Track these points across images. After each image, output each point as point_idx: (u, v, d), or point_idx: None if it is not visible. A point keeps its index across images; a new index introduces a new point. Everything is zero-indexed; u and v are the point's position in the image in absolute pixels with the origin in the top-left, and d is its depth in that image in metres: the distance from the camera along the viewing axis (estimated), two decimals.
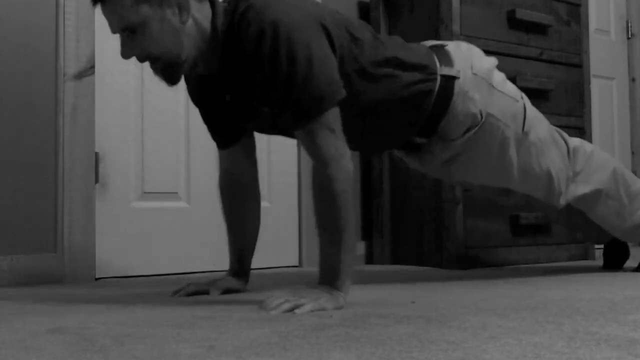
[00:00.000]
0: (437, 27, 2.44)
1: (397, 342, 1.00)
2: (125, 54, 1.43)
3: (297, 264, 2.58)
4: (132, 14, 1.39)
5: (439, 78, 1.66)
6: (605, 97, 3.61)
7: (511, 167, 1.79)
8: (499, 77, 1.80)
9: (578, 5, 2.74)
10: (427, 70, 1.65)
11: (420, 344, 0.99)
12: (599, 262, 2.41)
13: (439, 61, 1.69)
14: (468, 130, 1.71)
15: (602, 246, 2.34)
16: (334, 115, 1.41)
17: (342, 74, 1.47)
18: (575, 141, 1.97)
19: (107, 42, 2.26)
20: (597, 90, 3.55)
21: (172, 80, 1.47)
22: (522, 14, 2.52)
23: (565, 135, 1.96)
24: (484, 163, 1.78)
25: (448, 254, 2.37)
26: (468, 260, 2.36)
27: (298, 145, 2.59)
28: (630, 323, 1.15)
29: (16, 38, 2.08)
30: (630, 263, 2.30)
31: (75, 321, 1.25)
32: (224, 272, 1.78)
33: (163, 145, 2.34)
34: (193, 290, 1.67)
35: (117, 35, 1.45)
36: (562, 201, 1.91)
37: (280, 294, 1.38)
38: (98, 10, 1.44)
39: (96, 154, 2.19)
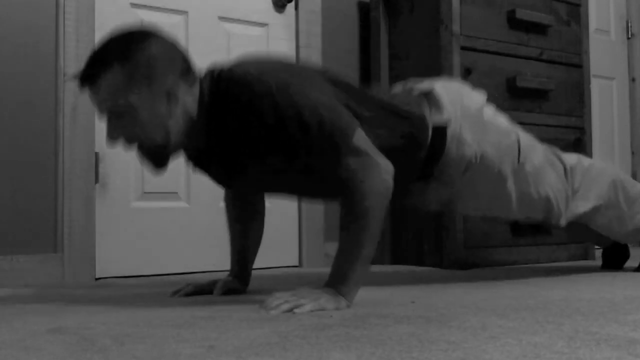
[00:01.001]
0: (437, 27, 2.44)
1: (397, 342, 1.00)
2: (111, 136, 1.40)
3: (297, 264, 2.58)
4: (120, 100, 1.36)
5: (430, 128, 1.65)
6: (605, 97, 3.61)
7: (510, 199, 1.79)
8: (490, 112, 1.79)
9: (578, 5, 2.74)
10: (418, 120, 1.63)
11: (420, 344, 0.99)
12: (599, 262, 2.41)
13: (430, 108, 1.67)
14: (465, 172, 1.71)
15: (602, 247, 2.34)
16: (358, 137, 1.42)
17: None
18: (572, 159, 1.96)
19: None
20: (597, 90, 3.55)
21: (159, 165, 1.44)
22: (522, 14, 2.52)
23: (561, 154, 1.95)
24: (483, 199, 1.78)
25: (448, 254, 2.37)
26: (468, 260, 2.36)
27: None
28: (630, 323, 1.15)
29: (16, 38, 2.08)
30: (630, 263, 2.30)
31: (75, 321, 1.25)
32: (224, 272, 1.78)
33: None
34: (192, 291, 1.67)
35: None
36: (563, 222, 1.91)
37: (280, 294, 1.38)
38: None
39: (96, 154, 2.19)
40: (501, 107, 2.46)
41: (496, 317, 1.23)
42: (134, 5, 2.31)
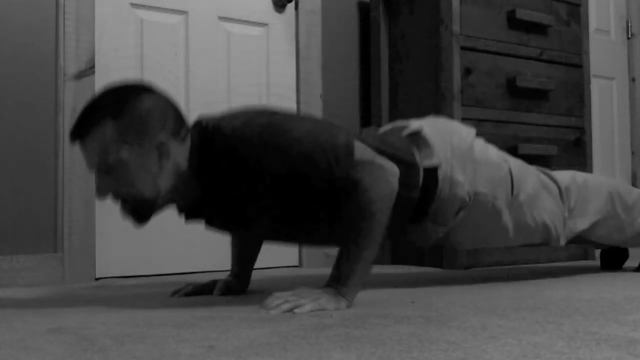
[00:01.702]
0: (437, 27, 2.44)
1: (397, 342, 1.00)
2: (100, 191, 1.39)
3: (297, 264, 2.58)
4: (111, 155, 1.35)
5: (421, 172, 1.64)
6: (605, 97, 3.61)
7: (506, 231, 1.79)
8: (480, 148, 1.77)
9: (578, 5, 2.74)
10: (408, 165, 1.62)
11: (420, 344, 0.99)
12: (599, 262, 2.41)
13: (419, 151, 1.66)
14: (458, 212, 1.71)
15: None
16: (359, 150, 1.43)
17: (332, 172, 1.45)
18: (565, 179, 1.93)
19: (107, 42, 2.26)
20: (597, 90, 3.55)
21: (141, 220, 1.43)
22: (522, 14, 2.52)
23: (555, 176, 1.93)
24: (479, 234, 1.78)
25: (448, 255, 2.37)
26: (468, 260, 2.36)
27: None
28: (630, 323, 1.15)
29: (16, 38, 2.08)
30: (629, 263, 2.30)
31: (75, 321, 1.25)
32: (224, 272, 1.78)
33: None
34: (192, 291, 1.67)
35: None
36: (562, 242, 1.90)
37: (280, 294, 1.38)
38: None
39: None
40: (501, 107, 2.47)
41: (496, 317, 1.23)
42: (134, 5, 2.31)
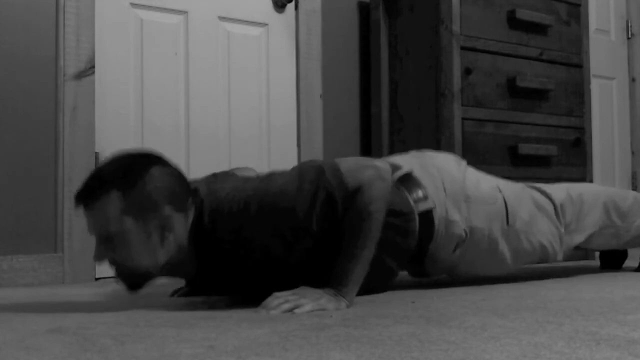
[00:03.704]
0: (437, 27, 2.44)
1: (397, 342, 1.00)
2: (98, 257, 1.39)
3: None
4: (114, 224, 1.35)
5: (417, 217, 1.64)
6: (605, 97, 3.61)
7: (504, 259, 1.79)
8: (472, 182, 1.77)
9: (578, 5, 2.74)
10: (403, 213, 1.61)
11: (420, 344, 0.99)
12: (599, 261, 2.41)
13: (412, 196, 1.65)
14: (456, 249, 1.71)
15: None
16: (341, 162, 1.44)
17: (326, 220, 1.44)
18: (560, 195, 1.92)
19: (107, 42, 2.26)
20: (597, 90, 3.55)
21: (134, 288, 1.42)
22: (522, 14, 2.52)
23: (549, 193, 1.91)
24: (477, 265, 1.78)
25: None
26: None
27: (298, 145, 2.60)
28: (630, 323, 1.15)
29: (16, 38, 2.08)
30: (629, 263, 2.30)
31: (75, 321, 1.25)
32: None
33: (163, 145, 2.34)
34: (192, 291, 1.67)
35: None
36: (560, 257, 1.90)
37: (280, 294, 1.38)
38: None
39: (96, 154, 2.19)
40: (501, 107, 2.47)
41: (496, 317, 1.23)
42: (134, 5, 2.31)
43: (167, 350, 0.97)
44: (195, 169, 2.39)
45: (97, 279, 2.17)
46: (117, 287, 1.93)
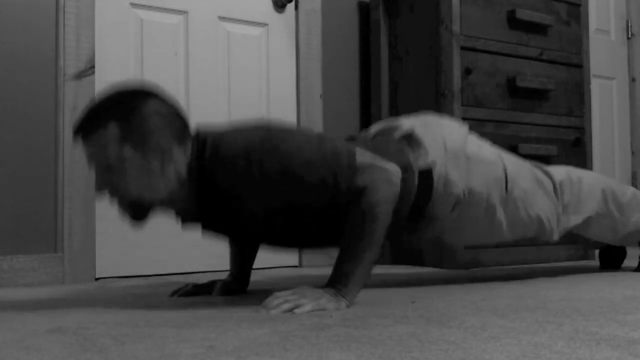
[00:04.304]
0: (437, 27, 2.44)
1: (397, 342, 1.00)
2: (99, 188, 1.39)
3: (297, 264, 2.57)
4: (113, 155, 1.36)
5: (416, 174, 1.65)
6: (605, 97, 3.61)
7: (501, 227, 1.79)
8: (474, 145, 1.78)
9: (578, 5, 2.74)
10: (405, 173, 1.62)
11: (420, 344, 0.99)
12: (599, 262, 2.41)
13: (413, 153, 1.66)
14: (453, 209, 1.71)
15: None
16: (359, 154, 1.43)
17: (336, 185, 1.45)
18: (560, 174, 1.95)
19: (107, 42, 2.26)
20: (597, 90, 3.55)
21: (137, 219, 1.43)
22: (522, 14, 2.52)
23: (549, 171, 1.94)
24: (474, 230, 1.78)
25: (448, 254, 2.37)
26: (468, 260, 2.37)
27: None
28: (630, 323, 1.15)
29: (16, 38, 2.08)
30: (628, 262, 2.29)
31: (75, 321, 1.25)
32: (224, 272, 1.78)
33: None
34: (192, 291, 1.67)
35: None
36: (556, 237, 1.90)
37: (280, 294, 1.38)
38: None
39: None
40: (501, 107, 2.47)
41: (496, 317, 1.23)
42: (134, 5, 2.31)
43: (167, 350, 0.97)
44: None
45: (97, 279, 2.17)
46: (117, 287, 1.93)
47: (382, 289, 1.74)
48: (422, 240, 1.81)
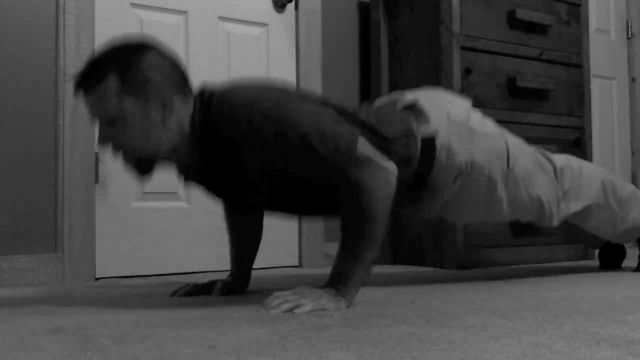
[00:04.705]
0: (437, 27, 2.44)
1: (397, 342, 1.00)
2: (102, 141, 1.40)
3: (297, 264, 2.58)
4: (114, 107, 1.36)
5: (419, 141, 1.65)
6: (605, 97, 3.61)
7: (501, 204, 1.80)
8: (477, 119, 1.78)
9: (578, 5, 2.74)
10: (407, 138, 1.63)
11: (420, 344, 0.99)
12: (598, 262, 2.41)
13: (416, 122, 1.67)
14: (455, 180, 1.72)
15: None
16: (361, 145, 1.42)
17: None
18: (561, 160, 1.96)
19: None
20: (597, 90, 3.55)
21: (143, 173, 1.44)
22: (522, 14, 2.52)
23: (550, 155, 1.95)
24: (475, 205, 1.78)
25: (448, 254, 2.37)
26: (468, 260, 2.36)
27: None
28: (630, 323, 1.15)
29: (16, 38, 2.08)
30: (628, 262, 2.30)
31: (75, 321, 1.25)
32: (224, 272, 1.78)
33: None
34: (192, 291, 1.67)
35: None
36: (555, 222, 1.91)
37: (280, 294, 1.38)
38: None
39: (96, 154, 2.19)
40: (501, 107, 2.47)
41: (496, 317, 1.23)
42: (134, 5, 2.31)
43: (167, 350, 0.97)
44: None
45: (97, 279, 2.17)
46: (117, 287, 1.93)
47: (382, 289, 1.74)
48: (422, 214, 1.81)
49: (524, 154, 1.84)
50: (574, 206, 1.93)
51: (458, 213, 1.80)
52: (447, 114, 1.71)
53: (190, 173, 1.55)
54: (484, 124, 1.78)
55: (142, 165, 1.43)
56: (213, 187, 1.57)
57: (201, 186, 1.59)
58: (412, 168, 1.65)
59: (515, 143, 1.84)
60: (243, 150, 1.41)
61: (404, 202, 1.76)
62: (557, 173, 1.91)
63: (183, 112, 1.42)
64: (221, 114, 1.39)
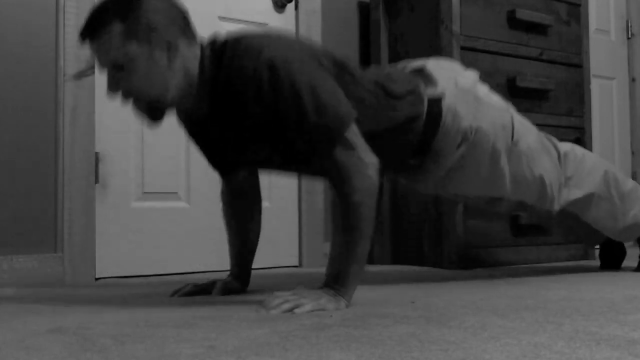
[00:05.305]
0: (437, 27, 2.44)
1: (397, 342, 1.00)
2: (111, 89, 1.42)
3: (297, 264, 2.58)
4: (120, 52, 1.38)
5: (425, 101, 1.67)
6: (605, 97, 3.61)
7: (503, 177, 1.80)
8: (484, 90, 1.80)
9: (578, 5, 2.74)
10: (413, 96, 1.65)
11: (420, 344, 0.99)
12: (599, 262, 2.41)
13: (424, 84, 1.69)
14: (460, 145, 1.72)
15: (599, 247, 2.34)
16: (351, 132, 1.42)
17: None
18: (565, 146, 1.98)
19: None
20: (597, 90, 3.55)
21: (155, 119, 1.45)
22: (522, 14, 2.52)
23: (555, 140, 1.97)
24: (477, 175, 1.78)
25: (448, 254, 2.37)
26: (468, 260, 2.36)
27: None
28: (630, 323, 1.15)
29: (16, 38, 2.08)
30: (628, 263, 2.30)
31: (75, 321, 1.25)
32: (224, 272, 1.78)
33: (163, 145, 2.34)
34: (192, 291, 1.67)
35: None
36: (556, 206, 1.91)
37: (280, 294, 1.38)
38: None
39: (96, 154, 2.19)
40: None
41: (496, 317, 1.23)
42: None
43: (167, 350, 0.97)
44: (196, 169, 2.39)
45: (97, 279, 2.17)
46: (117, 287, 1.93)
47: (382, 289, 1.75)
48: (422, 185, 1.82)
49: (529, 133, 1.86)
50: (576, 193, 1.94)
51: (459, 184, 1.79)
52: (455, 80, 1.73)
53: (197, 124, 1.57)
54: (490, 96, 1.80)
55: (153, 112, 1.44)
56: (211, 142, 1.58)
57: (198, 141, 1.62)
58: (418, 128, 1.66)
59: (521, 121, 1.86)
60: (248, 100, 1.42)
61: (405, 169, 1.77)
62: (560, 158, 1.92)
63: (188, 54, 1.44)
64: (231, 60, 1.42)
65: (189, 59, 1.44)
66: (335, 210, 1.43)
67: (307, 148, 1.43)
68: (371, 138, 1.55)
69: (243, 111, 1.45)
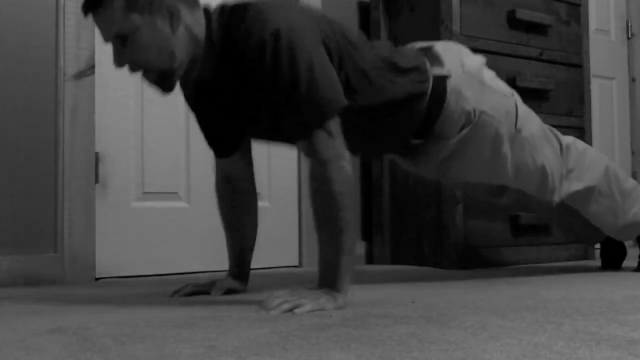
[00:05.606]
0: (437, 27, 2.44)
1: (397, 342, 1.00)
2: (118, 62, 1.44)
3: (297, 264, 2.58)
4: (122, 23, 1.39)
5: (431, 79, 1.67)
6: (605, 97, 3.61)
7: (505, 163, 1.80)
8: (490, 75, 1.81)
9: (578, 5, 2.74)
10: (419, 72, 1.66)
11: (420, 344, 0.99)
12: (599, 262, 2.42)
13: (430, 62, 1.70)
14: (462, 128, 1.72)
15: (599, 246, 2.34)
16: (334, 122, 1.42)
17: (340, 74, 1.48)
18: (567, 139, 1.99)
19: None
20: (597, 90, 3.54)
21: (165, 88, 1.47)
22: (522, 14, 2.52)
23: (557, 133, 1.98)
24: (479, 160, 1.78)
25: (448, 254, 2.37)
26: (468, 260, 2.36)
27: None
28: (630, 323, 1.15)
29: (16, 38, 2.08)
30: (628, 262, 2.30)
31: (75, 321, 1.25)
32: (224, 272, 1.78)
33: (163, 145, 2.34)
34: (192, 291, 1.67)
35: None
36: (556, 198, 1.91)
37: (280, 294, 1.38)
38: None
39: (96, 154, 2.19)
40: None
41: (496, 317, 1.23)
42: None
43: (167, 350, 0.97)
44: (196, 169, 2.39)
45: (97, 279, 2.17)
46: (117, 287, 1.93)
47: (382, 289, 1.75)
48: (422, 168, 1.82)
49: (533, 122, 1.86)
50: (576, 185, 1.95)
51: (460, 167, 1.79)
52: (462, 62, 1.74)
53: (198, 92, 1.58)
54: (496, 81, 1.81)
55: (163, 81, 1.45)
56: (212, 112, 1.60)
57: (200, 113, 1.65)
58: (422, 107, 1.66)
59: (526, 110, 1.86)
60: (249, 67, 1.43)
61: (408, 151, 1.77)
62: (562, 150, 1.93)
63: (191, 20, 1.44)
64: (238, 26, 1.43)
65: (193, 25, 1.45)
66: (315, 205, 1.42)
67: (291, 124, 1.43)
68: (372, 113, 1.56)
69: (244, 77, 1.46)
